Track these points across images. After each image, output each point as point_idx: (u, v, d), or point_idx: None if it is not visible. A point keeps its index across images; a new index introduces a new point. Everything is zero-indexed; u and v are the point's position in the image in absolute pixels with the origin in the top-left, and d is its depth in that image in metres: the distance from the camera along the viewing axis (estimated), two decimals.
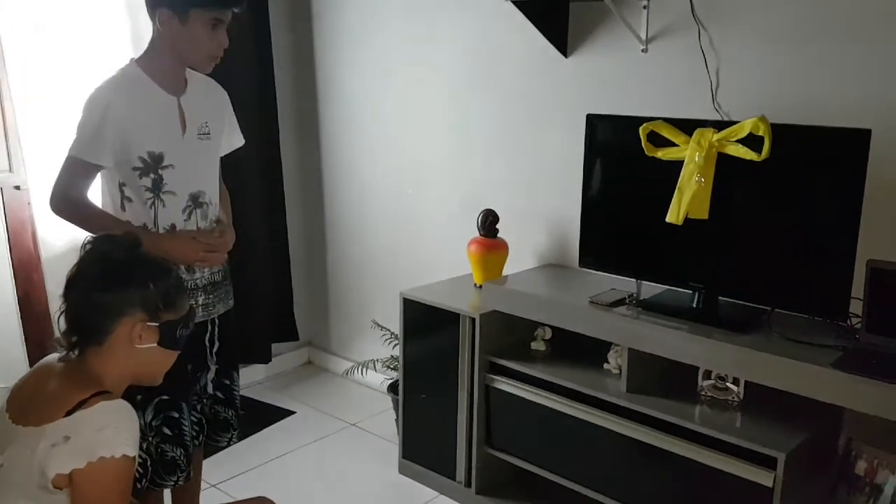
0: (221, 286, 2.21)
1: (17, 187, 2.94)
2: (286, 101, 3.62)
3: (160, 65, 2.03)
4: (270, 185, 3.56)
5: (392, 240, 3.44)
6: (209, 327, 2.17)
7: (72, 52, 2.93)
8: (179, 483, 2.10)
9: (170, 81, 2.05)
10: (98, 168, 2.01)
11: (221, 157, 2.28)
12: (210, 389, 2.23)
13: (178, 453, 2.07)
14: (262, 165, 3.46)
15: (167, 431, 2.04)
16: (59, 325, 1.55)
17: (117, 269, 1.53)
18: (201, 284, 2.12)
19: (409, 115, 3.26)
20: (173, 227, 2.06)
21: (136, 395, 1.88)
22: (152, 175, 2.01)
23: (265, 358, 3.64)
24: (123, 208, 2.04)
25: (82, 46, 2.95)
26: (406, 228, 3.37)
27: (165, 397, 2.02)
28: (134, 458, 1.45)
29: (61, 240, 2.98)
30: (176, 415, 2.06)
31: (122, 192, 2.03)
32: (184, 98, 2.07)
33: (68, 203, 2.01)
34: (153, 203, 2.03)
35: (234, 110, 2.30)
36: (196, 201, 2.10)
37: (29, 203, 2.96)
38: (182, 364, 1.67)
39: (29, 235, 2.99)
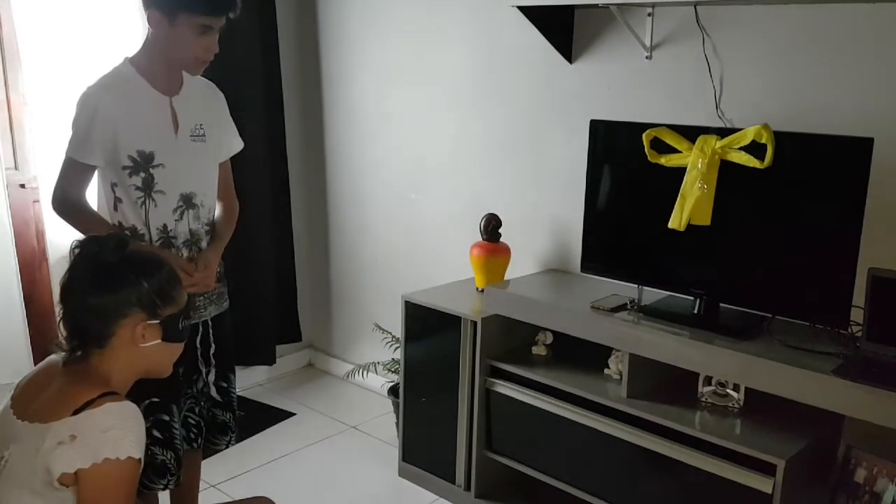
0: (213, 289, 2.19)
1: (23, 185, 2.96)
2: (292, 106, 3.63)
3: (152, 64, 2.02)
4: (276, 190, 3.57)
5: (394, 243, 3.45)
6: (200, 329, 2.16)
7: (85, 47, 2.91)
8: (169, 487, 2.09)
9: (163, 81, 2.04)
10: (91, 168, 2.02)
11: (231, 165, 2.28)
12: (211, 392, 2.23)
13: (169, 457, 2.06)
14: (268, 170, 3.47)
15: (157, 434, 2.03)
16: (60, 330, 1.55)
17: (109, 272, 1.52)
18: None
19: (413, 120, 3.27)
20: (164, 227, 2.06)
21: (127, 398, 1.86)
22: (142, 174, 2.01)
23: (269, 360, 3.64)
24: (116, 209, 2.04)
25: (96, 42, 2.93)
26: (409, 232, 3.38)
27: (156, 400, 2.00)
28: (139, 460, 1.45)
29: (68, 238, 2.99)
30: (166, 418, 2.05)
31: (113, 192, 2.03)
32: (177, 98, 2.07)
33: (64, 204, 2.03)
34: (144, 202, 2.03)
35: (241, 115, 2.30)
36: (188, 202, 2.09)
37: (37, 201, 2.98)
38: (173, 367, 1.66)
39: (33, 233, 3.01)
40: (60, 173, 2.03)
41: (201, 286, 2.07)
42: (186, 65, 2.03)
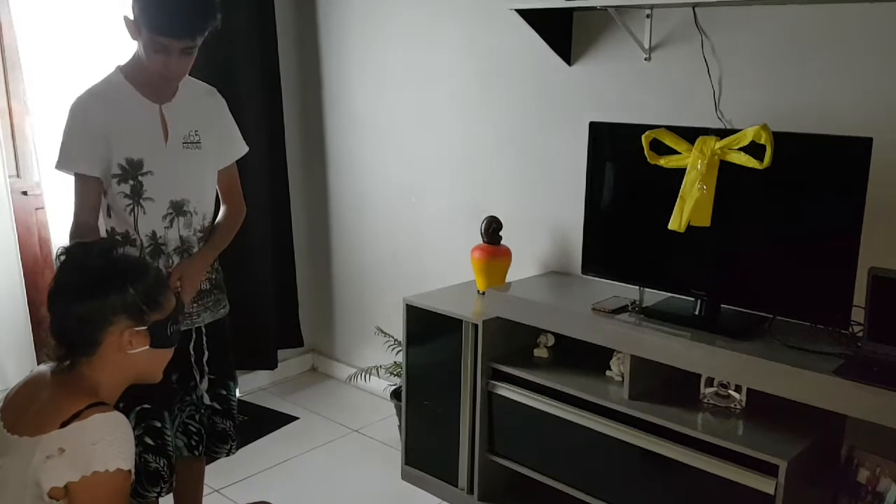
0: (208, 295, 2.18)
1: (25, 193, 2.96)
2: (291, 110, 3.64)
3: (140, 73, 2.02)
4: (276, 193, 3.57)
5: (395, 247, 3.45)
6: (194, 336, 2.15)
7: (87, 55, 2.90)
8: (162, 494, 2.09)
9: (152, 89, 2.04)
10: (93, 179, 2.00)
11: (236, 168, 2.27)
12: (207, 400, 2.22)
13: (162, 464, 2.06)
14: (268, 173, 3.48)
15: (149, 441, 2.02)
16: (48, 339, 1.53)
17: (93, 278, 1.49)
18: None
19: (413, 123, 3.28)
20: (154, 234, 2.06)
21: (119, 404, 1.79)
22: (131, 181, 2.01)
23: (271, 364, 3.64)
24: (109, 215, 2.05)
25: (98, 50, 2.91)
26: (409, 235, 3.38)
27: (147, 406, 1.99)
28: (129, 471, 1.43)
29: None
30: (158, 424, 2.04)
31: (106, 199, 2.04)
32: (167, 106, 2.06)
33: (77, 229, 2.01)
34: (132, 209, 2.03)
35: (240, 119, 2.28)
36: (179, 209, 2.09)
37: (41, 208, 2.98)
38: (165, 373, 1.64)
39: (35, 241, 3.01)
40: (74, 199, 2.02)
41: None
42: (153, 78, 2.00)
